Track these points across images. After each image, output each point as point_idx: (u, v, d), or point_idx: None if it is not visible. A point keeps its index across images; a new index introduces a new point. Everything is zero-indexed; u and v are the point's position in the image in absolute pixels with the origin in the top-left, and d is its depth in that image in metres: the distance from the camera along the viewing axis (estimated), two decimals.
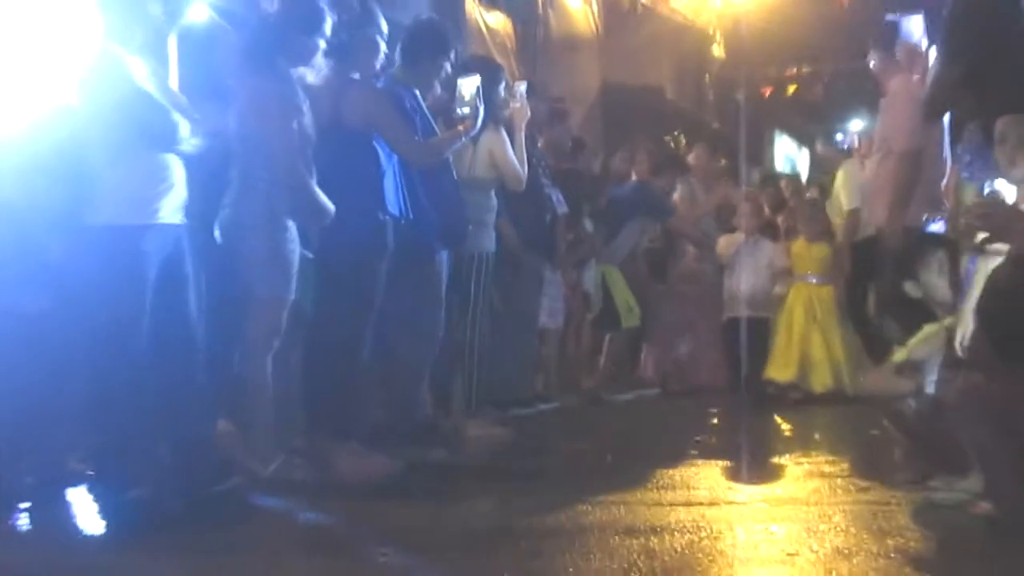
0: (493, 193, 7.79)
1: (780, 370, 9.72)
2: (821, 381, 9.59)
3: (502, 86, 7.77)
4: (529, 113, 7.93)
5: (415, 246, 6.61)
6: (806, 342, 9.71)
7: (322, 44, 6.01)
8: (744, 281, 10.02)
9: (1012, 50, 5.85)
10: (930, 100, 6.46)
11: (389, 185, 6.39)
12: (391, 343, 6.65)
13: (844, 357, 9.50)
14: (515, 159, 7.66)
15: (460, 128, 6.70)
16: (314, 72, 6.21)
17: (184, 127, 5.30)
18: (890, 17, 7.90)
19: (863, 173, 8.74)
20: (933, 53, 7.08)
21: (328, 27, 6.00)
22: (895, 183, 7.39)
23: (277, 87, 5.81)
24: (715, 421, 8.76)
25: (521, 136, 7.75)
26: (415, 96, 6.82)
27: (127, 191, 5.24)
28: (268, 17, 6.05)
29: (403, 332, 6.73)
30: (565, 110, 10.47)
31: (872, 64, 7.91)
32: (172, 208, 5.34)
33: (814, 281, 9.91)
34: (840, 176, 9.94)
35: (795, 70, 20.81)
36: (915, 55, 7.48)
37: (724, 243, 10.36)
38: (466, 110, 6.69)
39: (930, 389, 5.19)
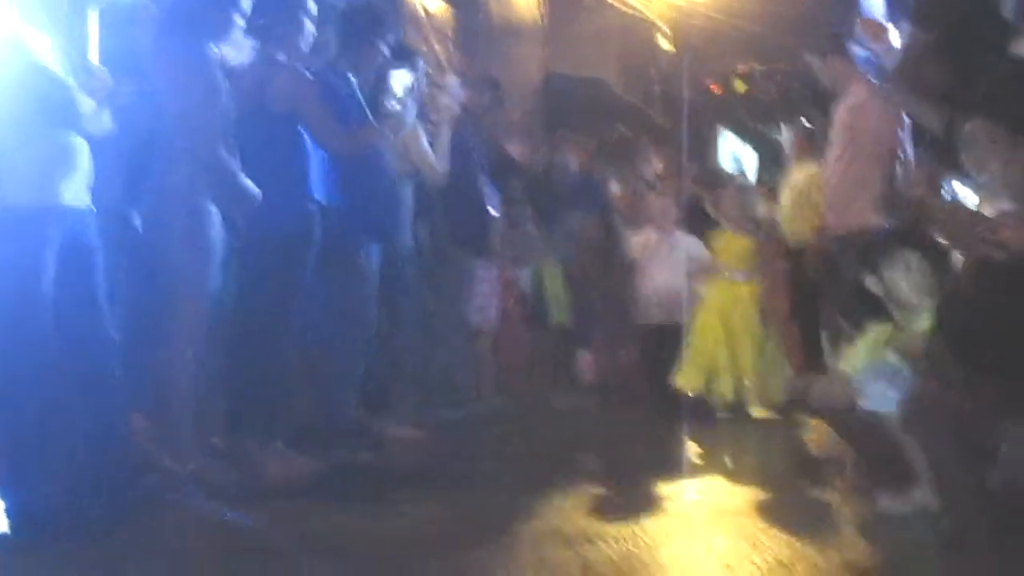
0: (409, 188, 7.65)
1: (687, 378, 8.77)
2: (720, 392, 8.71)
3: (423, 78, 7.71)
4: (458, 109, 7.90)
5: (343, 238, 6.58)
6: (714, 348, 8.82)
7: (239, 20, 5.98)
8: (658, 282, 9.26)
9: (980, 16, 5.91)
10: (899, 73, 6.53)
11: (316, 172, 6.35)
12: (318, 339, 6.62)
13: (753, 366, 8.71)
14: (431, 153, 7.59)
15: (389, 122, 6.70)
16: (237, 52, 6.20)
17: (87, 106, 5.25)
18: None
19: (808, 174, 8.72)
20: (893, 30, 7.16)
21: (245, 2, 5.98)
22: (868, 185, 7.46)
23: (194, 64, 5.75)
24: (654, 430, 8.73)
25: (446, 131, 7.71)
26: (349, 81, 6.79)
27: (26, 171, 5.14)
28: None
29: (331, 328, 6.69)
30: (500, 96, 10.38)
31: (820, 67, 7.92)
32: (76, 190, 5.27)
33: (735, 277, 9.00)
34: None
35: (746, 67, 20.90)
36: (878, 30, 7.48)
37: (635, 242, 9.58)
38: (396, 106, 6.66)
39: (868, 402, 5.23)
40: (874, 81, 7.48)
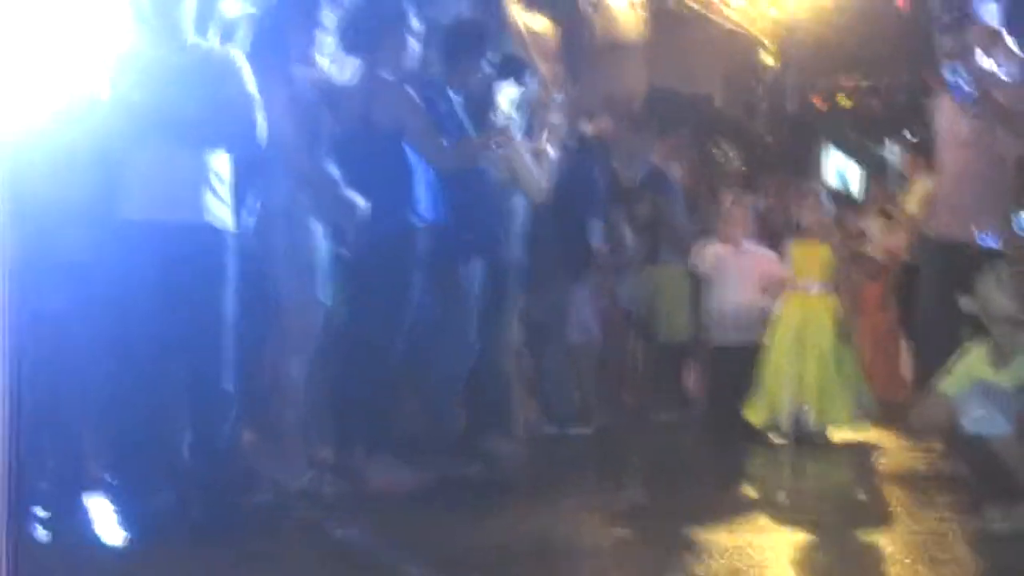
0: (516, 199, 7.54)
1: (755, 411, 8.25)
2: (789, 416, 8.14)
3: (532, 91, 7.72)
4: (564, 127, 7.89)
5: (447, 253, 6.61)
6: (786, 371, 8.23)
7: (322, 36, 6.05)
8: (729, 300, 8.74)
9: None
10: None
11: (422, 188, 6.38)
12: (424, 353, 6.65)
13: (817, 383, 8.15)
14: (534, 169, 7.57)
15: (494, 137, 6.71)
16: (341, 70, 6.27)
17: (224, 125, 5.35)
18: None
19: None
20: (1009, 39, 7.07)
21: (325, 16, 6.04)
22: (976, 199, 7.33)
23: (280, 82, 5.80)
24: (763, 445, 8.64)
25: (551, 149, 7.69)
26: (449, 98, 6.82)
27: (159, 186, 5.29)
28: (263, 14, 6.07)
29: (436, 343, 6.72)
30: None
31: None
32: (209, 206, 5.39)
33: (812, 290, 8.44)
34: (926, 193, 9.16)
35: (852, 83, 20.71)
36: (994, 37, 7.35)
37: (702, 254, 8.97)
38: (503, 120, 6.66)
39: (971, 424, 5.16)
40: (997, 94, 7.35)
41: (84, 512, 5.35)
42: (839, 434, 8.12)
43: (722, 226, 8.97)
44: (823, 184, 10.08)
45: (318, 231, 5.92)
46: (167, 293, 5.31)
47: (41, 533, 5.03)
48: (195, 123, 5.31)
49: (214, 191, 5.38)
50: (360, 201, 5.96)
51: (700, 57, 16.88)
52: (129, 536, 5.06)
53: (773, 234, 9.70)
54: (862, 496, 6.22)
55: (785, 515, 5.65)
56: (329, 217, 5.96)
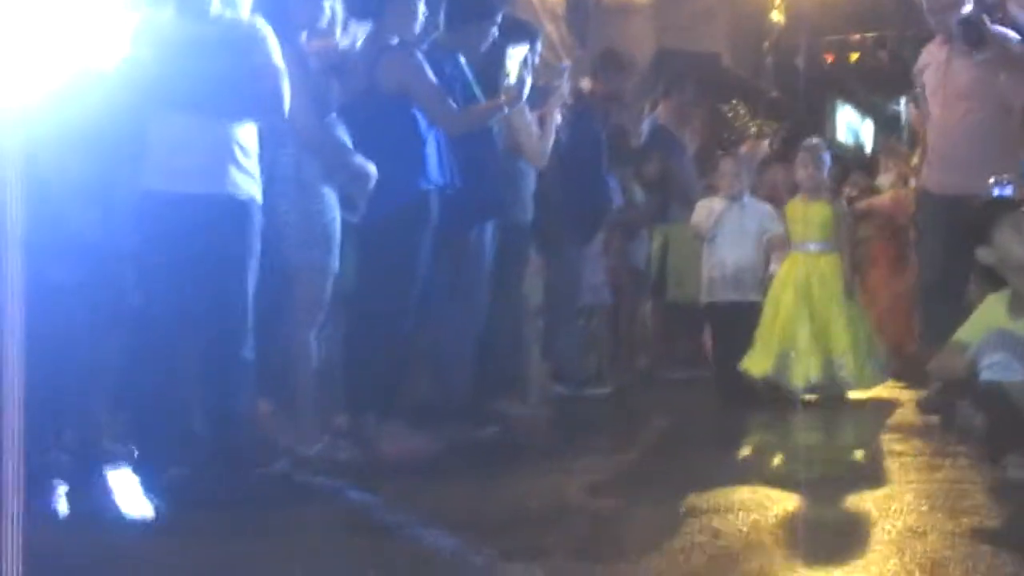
0: (523, 161, 7.56)
1: (755, 362, 8.14)
2: (803, 374, 8.06)
3: (536, 53, 7.66)
4: (566, 94, 7.84)
5: (457, 217, 6.55)
6: (791, 327, 8.15)
7: (327, 2, 6.01)
8: (728, 255, 8.56)
9: None
10: None
11: (432, 153, 6.35)
12: (436, 319, 6.63)
13: (843, 346, 8.09)
14: (535, 132, 7.51)
15: (502, 99, 6.65)
16: (346, 37, 6.23)
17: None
18: None
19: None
20: None
21: None
22: (991, 145, 7.31)
23: (291, 50, 5.76)
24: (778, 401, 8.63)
25: (555, 115, 7.64)
26: (458, 62, 6.77)
27: (181, 157, 5.30)
28: None
29: (447, 308, 6.70)
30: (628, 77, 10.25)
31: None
32: (232, 177, 5.38)
33: (812, 249, 8.35)
34: None
35: (858, 36, 20.61)
36: None
37: (701, 210, 8.82)
38: (512, 80, 6.62)
39: (989, 372, 5.12)
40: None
41: (101, 483, 5.35)
42: (853, 391, 8.09)
43: (720, 180, 8.85)
44: (825, 141, 9.77)
45: (328, 198, 5.90)
46: (188, 263, 5.32)
47: (58, 505, 5.01)
48: (221, 94, 5.31)
49: (237, 162, 5.38)
50: (371, 168, 5.93)
51: (707, 16, 16.81)
52: (145, 507, 5.04)
53: (785, 191, 9.66)
54: (879, 448, 6.18)
55: (801, 469, 5.62)
56: (340, 184, 5.94)
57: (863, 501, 4.79)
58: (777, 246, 8.52)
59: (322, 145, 5.87)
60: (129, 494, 5.22)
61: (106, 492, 5.26)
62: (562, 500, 5.04)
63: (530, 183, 7.55)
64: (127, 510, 5.01)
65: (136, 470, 5.47)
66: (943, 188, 7.46)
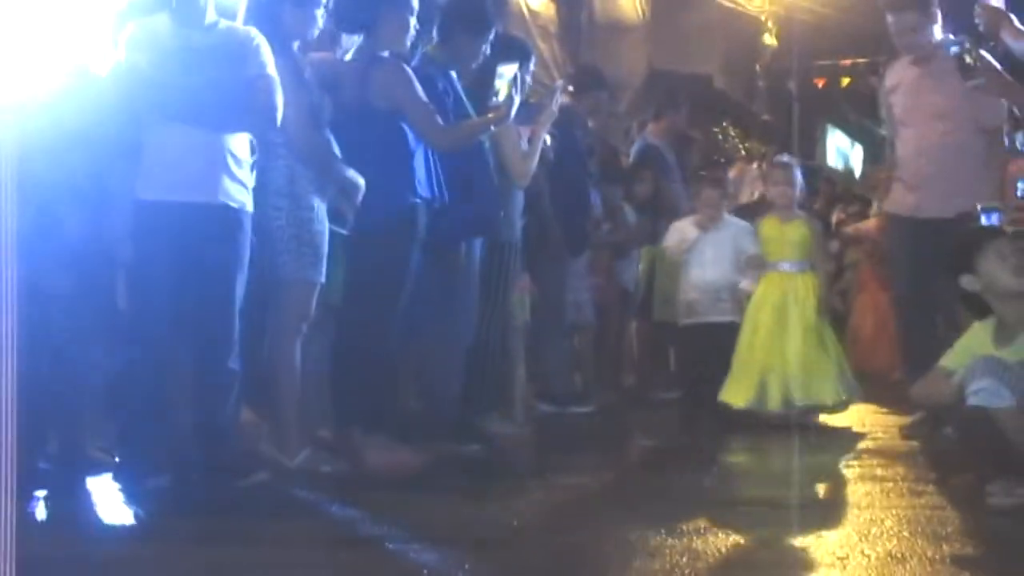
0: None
1: (733, 392, 7.91)
2: (781, 396, 7.85)
3: (528, 71, 7.66)
4: (556, 113, 7.85)
5: (447, 232, 6.56)
6: (770, 349, 7.94)
7: (319, 14, 6.01)
8: (705, 276, 8.54)
9: None
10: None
11: (420, 167, 6.34)
12: (423, 334, 6.62)
13: (802, 363, 7.83)
14: (521, 152, 7.48)
15: (491, 116, 6.62)
16: (339, 50, 6.26)
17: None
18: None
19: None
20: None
21: None
22: (970, 166, 7.26)
23: (283, 62, 5.77)
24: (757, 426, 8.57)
25: (542, 134, 7.63)
26: (449, 77, 6.78)
27: (174, 166, 5.33)
28: None
29: (435, 323, 6.70)
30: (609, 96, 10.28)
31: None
32: (225, 187, 5.39)
33: (789, 268, 8.13)
34: None
35: (849, 61, 20.67)
36: (999, 17, 7.20)
37: (674, 233, 8.80)
38: (501, 98, 6.61)
39: (976, 399, 5.14)
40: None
41: (84, 491, 5.34)
42: (831, 416, 8.00)
43: (700, 208, 8.76)
44: (816, 165, 9.79)
45: (319, 210, 5.90)
46: (179, 272, 5.34)
47: (41, 514, 5.00)
48: (214, 105, 5.32)
49: (230, 171, 5.40)
50: (360, 180, 5.93)
51: (700, 37, 16.87)
52: (127, 515, 5.04)
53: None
54: (861, 473, 6.18)
55: (783, 492, 5.63)
56: (329, 196, 5.94)
57: (844, 525, 4.80)
58: (753, 266, 8.33)
59: (314, 156, 5.87)
60: (112, 502, 5.22)
61: (89, 500, 5.25)
62: (545, 518, 5.03)
63: (518, 201, 7.55)
64: (109, 518, 5.00)
65: (119, 478, 5.46)
66: (918, 211, 7.39)
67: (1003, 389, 5.05)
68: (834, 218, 13.79)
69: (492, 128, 6.68)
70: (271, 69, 5.46)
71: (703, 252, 8.53)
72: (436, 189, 6.34)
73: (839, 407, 7.97)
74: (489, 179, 6.88)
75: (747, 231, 8.49)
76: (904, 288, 7.65)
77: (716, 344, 8.16)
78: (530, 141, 7.48)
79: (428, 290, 6.46)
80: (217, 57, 5.37)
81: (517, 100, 6.57)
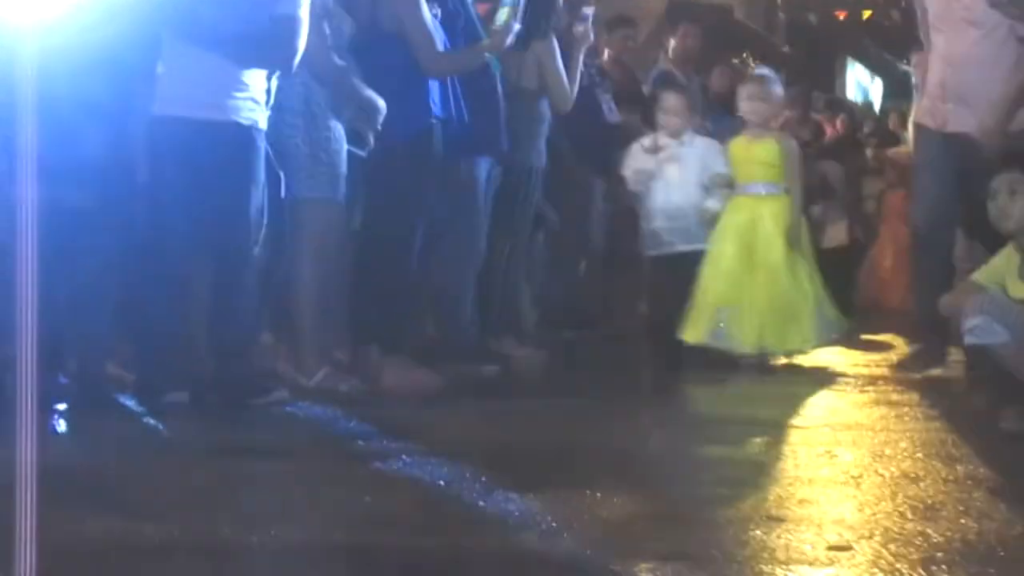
0: (544, 105, 7.57)
1: (691, 329, 7.21)
2: (746, 339, 7.18)
3: None
4: (592, 38, 7.82)
5: (454, 153, 6.52)
6: (732, 282, 7.25)
7: None
8: (670, 201, 7.58)
9: None
10: None
11: (435, 87, 6.28)
12: (428, 254, 6.60)
13: (771, 302, 7.19)
14: (564, 75, 7.47)
15: (484, 43, 6.56)
16: None
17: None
18: None
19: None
20: None
21: None
22: (1003, 79, 6.76)
23: None
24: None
25: (579, 58, 7.61)
26: (466, 3, 6.73)
27: (189, 84, 5.33)
28: None
29: (440, 243, 6.71)
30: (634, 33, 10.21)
31: None
32: (239, 106, 5.39)
33: (757, 191, 7.44)
34: None
35: None
36: None
37: (637, 154, 7.77)
38: (500, 24, 6.54)
39: (972, 336, 5.13)
40: None
41: (103, 407, 5.36)
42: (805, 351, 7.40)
43: (664, 117, 7.70)
44: (836, 98, 9.22)
45: (336, 130, 5.89)
46: (193, 188, 5.36)
47: (62, 428, 5.03)
48: (237, 36, 5.31)
49: (243, 89, 5.40)
50: (380, 102, 5.91)
51: None
52: (145, 430, 5.06)
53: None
54: (873, 397, 6.18)
55: (796, 417, 5.64)
56: (348, 118, 5.92)
57: (858, 446, 4.80)
58: (719, 185, 7.52)
59: (332, 77, 5.85)
60: (130, 417, 5.25)
61: (107, 415, 5.27)
62: (571, 438, 5.04)
63: (546, 128, 7.54)
64: (127, 433, 5.02)
65: (137, 394, 5.48)
66: (946, 124, 6.95)
67: (996, 325, 5.03)
68: (869, 152, 13.69)
69: (486, 57, 6.58)
70: (303, 11, 5.41)
71: (667, 173, 7.59)
72: (453, 109, 6.31)
73: (814, 343, 7.35)
74: (496, 100, 6.82)
75: (716, 149, 7.63)
76: (922, 208, 7.25)
77: (686, 276, 7.32)
78: (568, 67, 7.44)
79: (437, 212, 6.44)
80: None
81: (516, 27, 6.48)
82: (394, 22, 6.17)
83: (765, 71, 8.20)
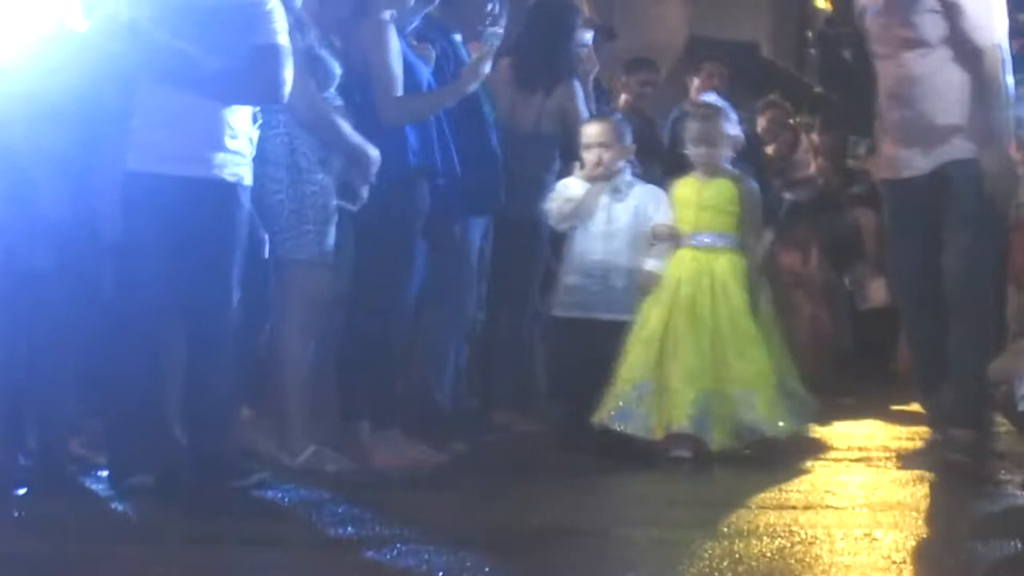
0: (556, 151, 7.63)
1: (606, 403, 6.49)
2: (672, 420, 6.37)
3: (577, 32, 7.71)
4: (597, 66, 7.89)
5: (442, 213, 6.53)
6: (666, 348, 6.50)
7: None
8: (591, 256, 6.87)
9: None
10: None
11: (415, 134, 6.25)
12: (416, 321, 6.63)
13: (746, 377, 6.46)
14: (587, 115, 7.52)
15: (448, 88, 6.51)
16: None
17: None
18: None
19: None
20: None
21: None
22: (960, 99, 6.27)
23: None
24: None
25: (588, 89, 7.68)
26: (451, 40, 6.77)
27: (169, 137, 5.33)
28: None
29: (428, 310, 6.71)
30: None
31: None
32: (221, 160, 5.40)
33: (708, 243, 6.70)
34: None
35: None
36: None
37: (557, 197, 7.00)
38: (468, 66, 6.51)
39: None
40: None
41: (67, 489, 5.38)
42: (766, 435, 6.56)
43: (583, 153, 7.02)
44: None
45: (324, 183, 5.93)
46: (170, 251, 5.35)
47: (19, 511, 5.04)
48: (216, 72, 5.32)
49: (226, 142, 5.39)
50: (372, 151, 5.95)
51: (745, 0, 16.81)
52: (112, 514, 5.08)
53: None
54: (912, 475, 6.20)
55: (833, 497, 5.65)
56: (338, 170, 5.96)
57: (900, 528, 4.81)
58: (660, 238, 6.79)
59: (318, 123, 5.90)
60: (95, 502, 5.27)
61: (72, 499, 5.28)
62: (571, 519, 5.06)
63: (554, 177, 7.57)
64: (92, 519, 5.02)
65: (103, 477, 5.50)
66: (901, 170, 6.45)
67: None
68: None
69: (449, 102, 6.48)
70: (283, 38, 5.45)
71: (593, 224, 6.90)
72: (441, 160, 6.32)
73: (782, 429, 6.53)
74: (493, 155, 6.86)
75: (655, 194, 6.92)
76: (897, 280, 6.91)
77: (598, 352, 6.59)
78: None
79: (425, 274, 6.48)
80: (223, 20, 5.38)
81: (484, 70, 6.46)
82: (361, 58, 6.21)
83: (709, 101, 7.20)
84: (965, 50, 6.22)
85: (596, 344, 6.62)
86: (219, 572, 4.14)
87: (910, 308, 6.66)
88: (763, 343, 6.54)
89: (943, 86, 6.26)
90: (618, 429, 6.41)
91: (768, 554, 4.38)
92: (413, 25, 6.51)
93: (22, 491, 5.26)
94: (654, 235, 6.77)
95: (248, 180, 5.49)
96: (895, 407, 8.77)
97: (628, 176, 6.99)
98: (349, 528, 4.89)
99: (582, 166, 7.05)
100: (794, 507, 5.36)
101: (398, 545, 4.46)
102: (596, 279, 6.82)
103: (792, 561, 4.30)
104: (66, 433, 5.71)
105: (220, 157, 5.37)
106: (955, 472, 6.10)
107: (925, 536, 4.67)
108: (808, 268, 10.44)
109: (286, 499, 5.38)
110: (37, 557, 4.28)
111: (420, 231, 6.27)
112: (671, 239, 6.73)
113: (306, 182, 5.88)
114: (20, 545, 4.44)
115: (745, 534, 4.71)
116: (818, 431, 7.23)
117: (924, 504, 5.40)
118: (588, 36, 7.88)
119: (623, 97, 9.62)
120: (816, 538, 4.66)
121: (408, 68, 6.30)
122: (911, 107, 6.33)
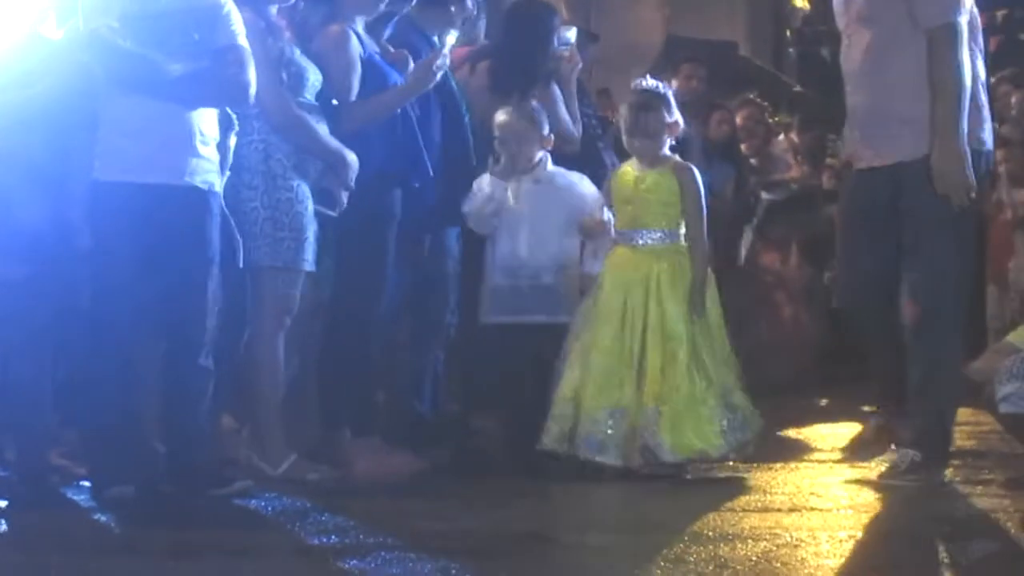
0: None
1: (550, 429, 6.04)
2: (617, 441, 5.96)
3: (556, 34, 7.71)
4: (580, 64, 7.90)
5: (416, 223, 6.53)
6: (607, 369, 6.05)
7: None
8: (518, 254, 6.48)
9: None
10: None
11: (381, 139, 6.27)
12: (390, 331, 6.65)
13: (682, 398, 5.97)
14: (567, 117, 7.53)
15: (400, 88, 6.39)
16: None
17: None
18: None
19: None
20: None
21: None
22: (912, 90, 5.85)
23: (258, 25, 5.80)
24: (795, 418, 8.28)
25: (572, 89, 7.69)
26: (430, 42, 6.73)
27: (137, 145, 5.35)
28: None
29: (404, 316, 6.75)
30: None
31: None
32: (192, 167, 5.42)
33: (647, 241, 6.21)
34: None
35: None
36: None
37: (478, 195, 6.54)
38: (416, 65, 6.42)
39: (1006, 404, 5.20)
40: None
41: (46, 501, 5.38)
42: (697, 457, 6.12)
43: (498, 146, 6.65)
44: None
45: (300, 189, 5.93)
46: (143, 261, 5.38)
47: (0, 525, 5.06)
48: (180, 77, 5.35)
49: (197, 149, 5.42)
50: (351, 156, 5.96)
51: (722, 0, 16.84)
52: (92, 527, 5.09)
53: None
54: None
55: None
56: (315, 176, 5.97)
57: (884, 530, 4.84)
58: (591, 235, 6.46)
59: (291, 128, 5.91)
60: (77, 514, 5.27)
61: (51, 512, 5.28)
62: (553, 524, 5.09)
63: None
64: (73, 532, 5.02)
65: (85, 487, 5.51)
66: (858, 160, 6.12)
67: None
68: None
69: (402, 102, 6.38)
70: (242, 39, 5.48)
71: (516, 216, 6.50)
72: (414, 168, 6.32)
73: (723, 456, 6.14)
74: (465, 161, 6.82)
75: (581, 182, 6.59)
76: (844, 275, 6.51)
77: (530, 359, 6.39)
78: (566, 103, 7.38)
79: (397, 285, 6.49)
80: (183, 24, 5.39)
81: (438, 75, 6.38)
82: (321, 68, 6.17)
83: (648, 82, 6.37)
84: (917, 31, 5.83)
85: (531, 350, 6.37)
86: None
87: (861, 319, 6.25)
88: (695, 357, 6.03)
89: (895, 73, 5.87)
90: (596, 460, 5.94)
91: (753, 557, 4.40)
92: (388, 32, 6.52)
93: (2, 503, 5.25)
94: (584, 232, 6.45)
95: (219, 187, 5.51)
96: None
97: (549, 166, 6.60)
98: (332, 537, 4.90)
99: (496, 161, 6.73)
100: (778, 509, 5.39)
101: (381, 553, 4.47)
102: (524, 278, 6.47)
103: (777, 564, 4.31)
104: (45, 444, 5.72)
105: (192, 164, 5.39)
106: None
107: (910, 537, 4.67)
108: (788, 267, 10.51)
109: (268, 508, 5.38)
110: (18, 569, 4.28)
111: (394, 237, 6.27)
112: (602, 234, 6.34)
113: (281, 188, 5.88)
114: (0, 558, 4.44)
115: (730, 537, 4.72)
116: (801, 432, 7.27)
117: (909, 505, 5.40)
118: (571, 35, 7.86)
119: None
120: (801, 540, 4.68)
121: (378, 74, 6.31)
122: (863, 91, 5.98)
